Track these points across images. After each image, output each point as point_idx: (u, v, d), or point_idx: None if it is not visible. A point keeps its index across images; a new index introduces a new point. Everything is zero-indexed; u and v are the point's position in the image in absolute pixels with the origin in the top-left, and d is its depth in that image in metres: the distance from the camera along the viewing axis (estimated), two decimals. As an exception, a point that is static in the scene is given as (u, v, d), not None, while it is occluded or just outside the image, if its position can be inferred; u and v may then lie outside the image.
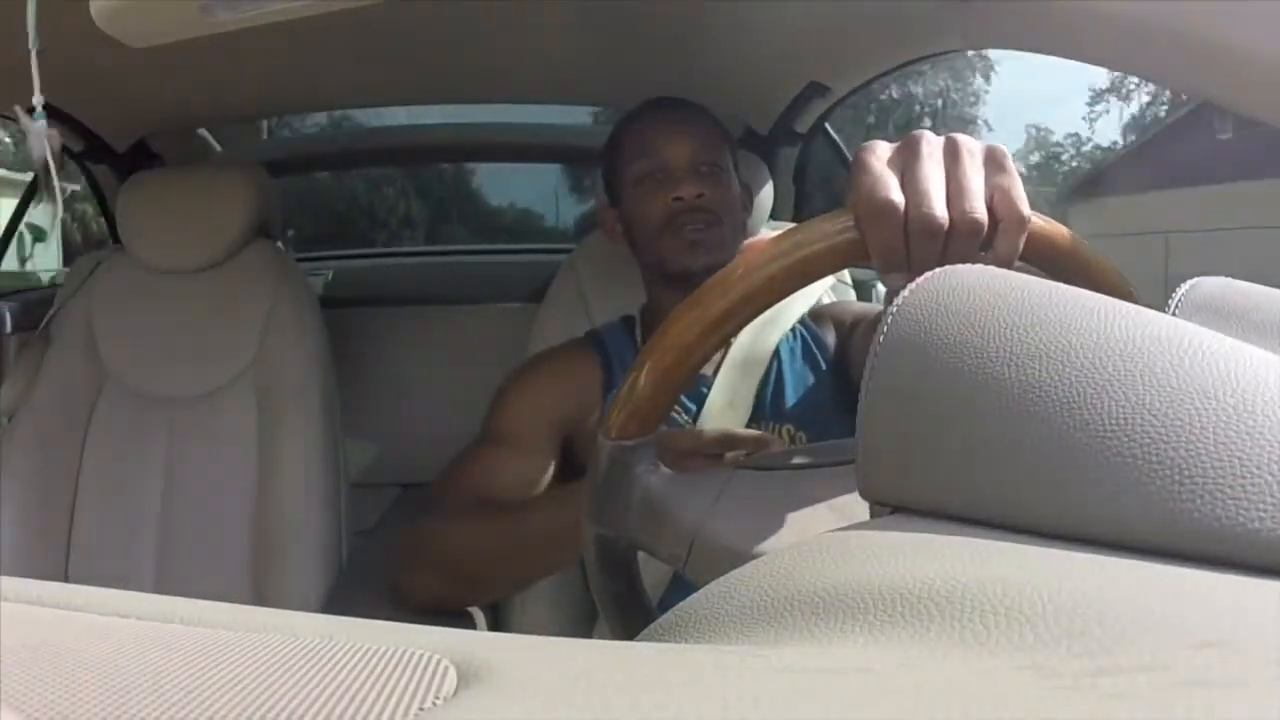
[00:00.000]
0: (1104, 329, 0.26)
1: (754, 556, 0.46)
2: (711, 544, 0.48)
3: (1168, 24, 0.55)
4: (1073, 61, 0.67)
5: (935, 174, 0.45)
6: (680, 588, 0.87)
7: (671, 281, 1.01)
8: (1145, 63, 0.61)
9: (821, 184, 1.95)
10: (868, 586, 0.22)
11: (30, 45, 0.51)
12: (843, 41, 1.14)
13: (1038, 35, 0.74)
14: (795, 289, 0.48)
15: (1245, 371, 0.23)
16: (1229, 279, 0.37)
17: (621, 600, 0.56)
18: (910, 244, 0.45)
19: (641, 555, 0.57)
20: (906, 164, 0.46)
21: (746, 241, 0.42)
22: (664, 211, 0.98)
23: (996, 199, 0.45)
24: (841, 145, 1.70)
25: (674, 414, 0.97)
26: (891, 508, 0.29)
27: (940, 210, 0.44)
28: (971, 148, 0.47)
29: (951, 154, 0.46)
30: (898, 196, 0.45)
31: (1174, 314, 0.36)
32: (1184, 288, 0.37)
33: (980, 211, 0.45)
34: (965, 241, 0.45)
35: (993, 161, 0.47)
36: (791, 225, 0.49)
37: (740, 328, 0.49)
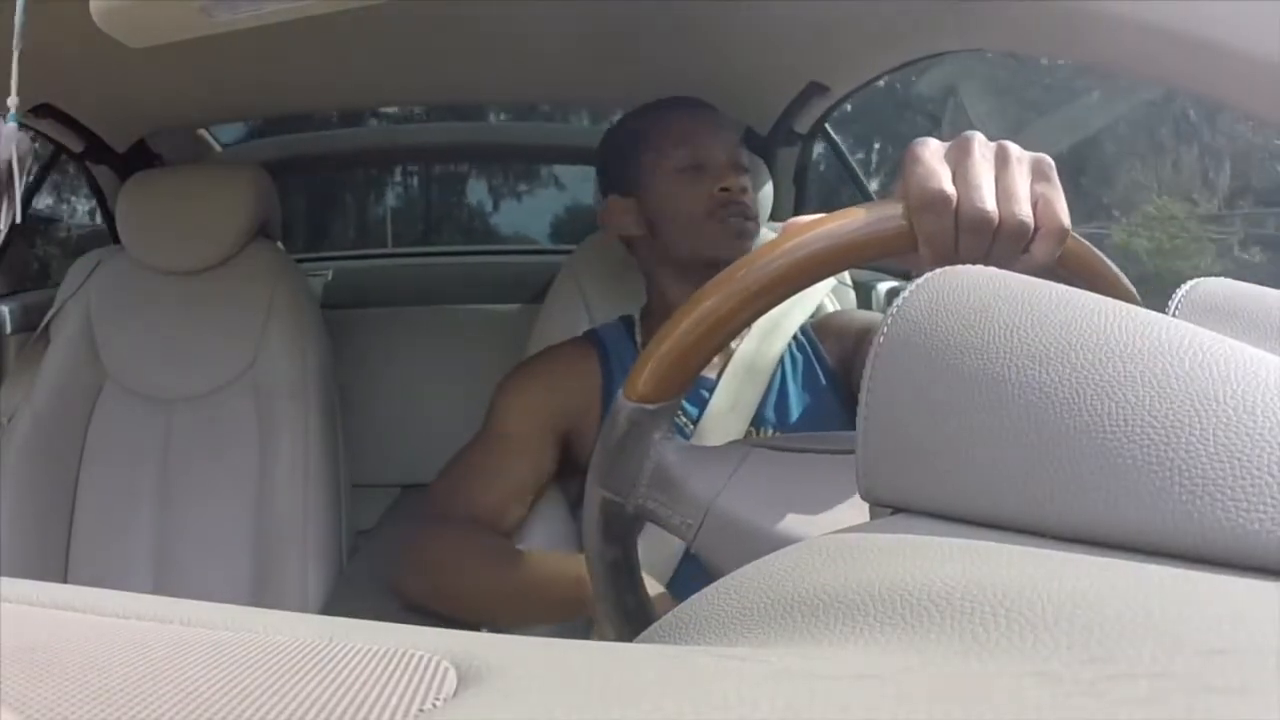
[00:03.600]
0: (1104, 330, 0.26)
1: (766, 533, 0.46)
2: (724, 517, 0.48)
3: (1168, 24, 0.55)
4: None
5: (987, 173, 0.46)
6: (682, 586, 0.87)
7: (697, 270, 1.00)
8: (1145, 63, 0.61)
9: (822, 184, 1.95)
10: (868, 588, 0.22)
11: (15, 45, 0.51)
12: (843, 41, 1.14)
13: (1038, 35, 0.74)
14: (835, 271, 0.48)
15: (1245, 373, 0.23)
16: (1229, 279, 0.37)
17: (616, 569, 0.55)
18: (960, 238, 0.46)
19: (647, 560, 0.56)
20: (959, 160, 0.47)
21: (788, 221, 0.42)
22: (709, 201, 1.00)
23: (1040, 207, 0.46)
24: (841, 146, 1.70)
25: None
26: (892, 509, 0.29)
27: (992, 207, 0.45)
28: (1020, 154, 0.47)
29: (1001, 158, 0.47)
30: (950, 189, 0.45)
31: (1174, 315, 0.36)
32: (1184, 288, 0.37)
33: (1027, 214, 0.46)
34: (1010, 242, 0.46)
35: (1039, 170, 0.47)
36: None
37: (777, 303, 0.48)
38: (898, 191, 0.47)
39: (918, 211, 0.46)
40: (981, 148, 0.47)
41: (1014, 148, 0.48)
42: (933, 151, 0.47)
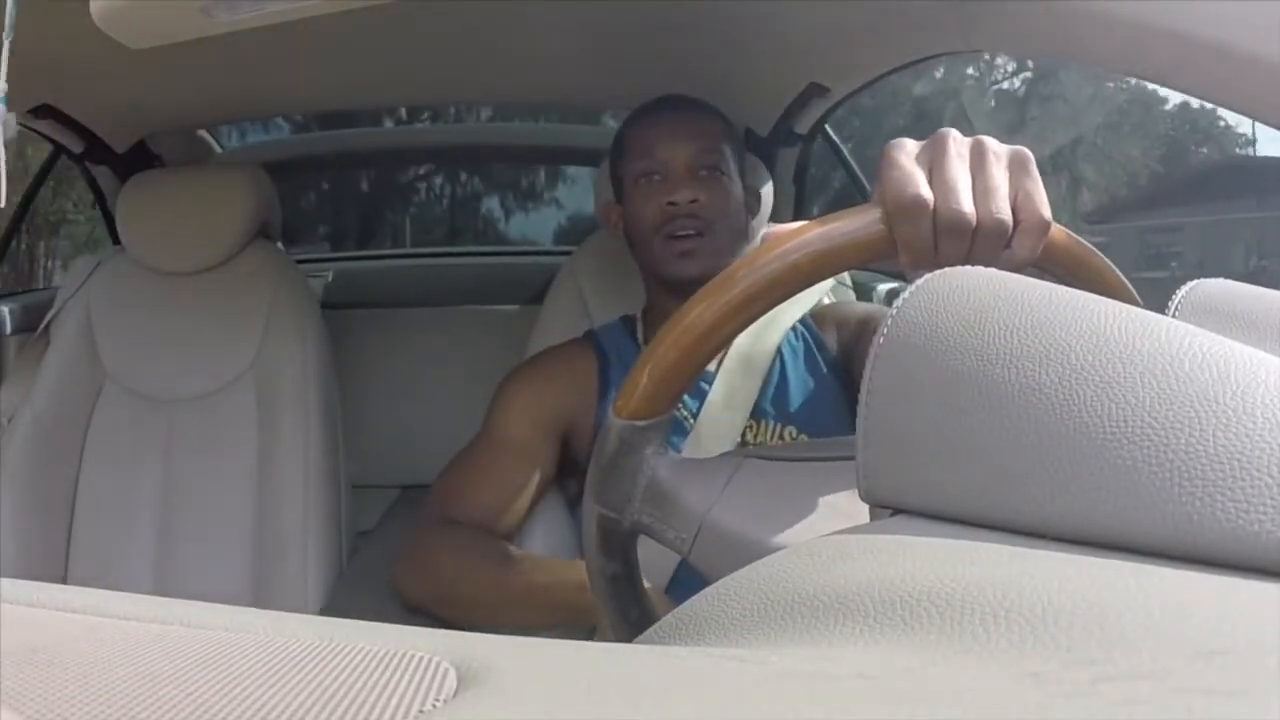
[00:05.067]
0: (1103, 331, 0.26)
1: (761, 544, 0.46)
2: (719, 529, 0.48)
3: (1168, 24, 0.55)
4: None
5: (963, 173, 0.46)
6: (680, 588, 0.87)
7: (664, 285, 1.01)
8: (1145, 63, 0.61)
9: (822, 185, 1.95)
10: (867, 589, 0.22)
11: (5, 35, 0.52)
12: (843, 42, 1.14)
13: (1038, 36, 0.74)
14: (819, 279, 0.47)
15: (1244, 373, 0.23)
16: (1228, 280, 0.37)
17: (617, 583, 0.55)
18: (938, 241, 0.45)
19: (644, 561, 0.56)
20: (934, 161, 0.46)
21: (768, 229, 0.42)
22: (658, 214, 0.98)
23: (1020, 201, 0.46)
24: (841, 146, 1.70)
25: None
26: (892, 510, 0.29)
27: (969, 208, 0.45)
28: (997, 149, 0.47)
29: (978, 154, 0.46)
30: (926, 193, 0.45)
31: (1174, 316, 0.36)
32: (1184, 289, 0.37)
33: (1006, 212, 0.45)
34: (990, 241, 0.45)
35: (1017, 163, 0.47)
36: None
37: (761, 314, 0.48)
38: (875, 196, 0.47)
39: (895, 218, 0.45)
40: (957, 145, 0.46)
41: (990, 142, 0.47)
42: (908, 154, 0.47)
